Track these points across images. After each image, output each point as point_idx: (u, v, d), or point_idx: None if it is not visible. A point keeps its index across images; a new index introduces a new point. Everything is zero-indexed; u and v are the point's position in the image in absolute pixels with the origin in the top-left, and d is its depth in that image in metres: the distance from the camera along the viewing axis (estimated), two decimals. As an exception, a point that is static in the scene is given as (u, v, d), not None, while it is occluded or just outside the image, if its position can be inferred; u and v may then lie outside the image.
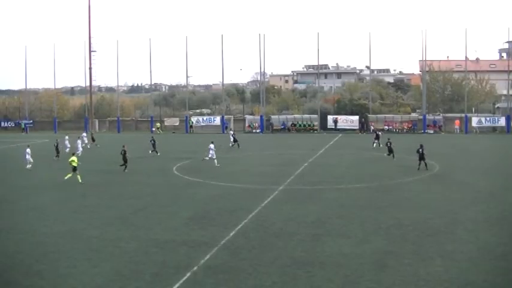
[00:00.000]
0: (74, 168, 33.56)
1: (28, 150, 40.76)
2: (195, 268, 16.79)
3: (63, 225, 23.11)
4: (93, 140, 56.95)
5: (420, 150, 37.00)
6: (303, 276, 16.24)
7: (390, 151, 43.07)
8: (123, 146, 38.46)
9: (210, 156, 40.60)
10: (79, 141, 49.10)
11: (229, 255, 18.41)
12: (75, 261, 17.94)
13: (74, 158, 34.32)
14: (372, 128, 71.26)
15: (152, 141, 48.38)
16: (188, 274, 16.24)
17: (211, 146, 40.82)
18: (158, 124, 79.31)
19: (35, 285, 15.81)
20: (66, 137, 50.20)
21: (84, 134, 49.72)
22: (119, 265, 17.48)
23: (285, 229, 21.84)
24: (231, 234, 20.92)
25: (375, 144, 52.02)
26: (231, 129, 69.30)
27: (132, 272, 16.71)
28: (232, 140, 54.83)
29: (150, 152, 47.57)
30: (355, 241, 20.08)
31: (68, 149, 46.94)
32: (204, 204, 26.99)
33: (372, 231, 21.50)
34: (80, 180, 32.95)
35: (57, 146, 45.80)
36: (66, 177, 33.50)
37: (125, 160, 37.70)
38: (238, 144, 53.96)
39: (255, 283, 15.67)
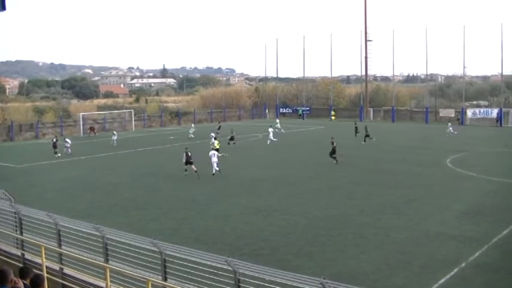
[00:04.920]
0: None
1: None
2: (463, 264, 16.68)
3: (335, 209, 24.61)
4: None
5: None
6: None
7: None
8: (332, 138, 39.27)
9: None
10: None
11: (501, 254, 17.87)
12: (344, 246, 19.10)
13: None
14: None
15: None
16: (455, 270, 16.20)
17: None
18: (333, 112, 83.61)
19: (304, 265, 16.91)
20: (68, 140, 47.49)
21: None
22: (388, 254, 18.15)
23: None
24: (504, 232, 20.16)
25: None
26: None
27: (400, 262, 17.23)
28: None
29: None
30: None
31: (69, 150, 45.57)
32: (477, 199, 26.25)
33: None
34: None
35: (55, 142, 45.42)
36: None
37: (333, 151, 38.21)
38: None
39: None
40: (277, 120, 68.01)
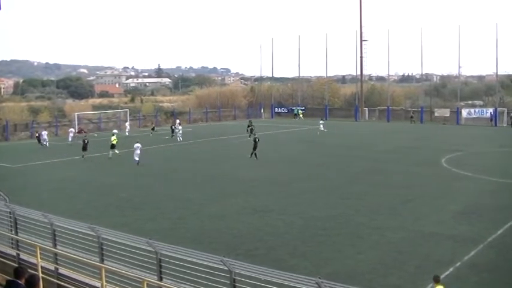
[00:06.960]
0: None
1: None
2: (458, 264, 16.71)
3: (332, 209, 24.60)
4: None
5: None
6: None
7: None
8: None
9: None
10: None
11: (496, 253, 17.93)
12: (340, 246, 19.11)
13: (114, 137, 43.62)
14: None
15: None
16: (451, 269, 16.23)
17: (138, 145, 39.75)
18: (301, 111, 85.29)
19: (300, 265, 16.93)
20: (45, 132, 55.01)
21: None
22: (383, 254, 18.17)
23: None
24: (499, 232, 20.22)
25: None
26: None
27: (396, 262, 17.25)
28: None
29: None
30: None
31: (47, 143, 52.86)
32: (473, 199, 26.31)
33: None
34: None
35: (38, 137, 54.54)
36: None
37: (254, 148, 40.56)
38: None
39: (523, 286, 15.05)
40: (178, 121, 66.57)
